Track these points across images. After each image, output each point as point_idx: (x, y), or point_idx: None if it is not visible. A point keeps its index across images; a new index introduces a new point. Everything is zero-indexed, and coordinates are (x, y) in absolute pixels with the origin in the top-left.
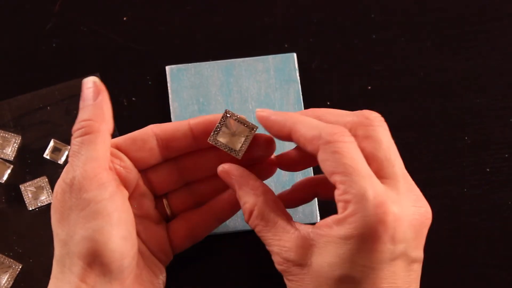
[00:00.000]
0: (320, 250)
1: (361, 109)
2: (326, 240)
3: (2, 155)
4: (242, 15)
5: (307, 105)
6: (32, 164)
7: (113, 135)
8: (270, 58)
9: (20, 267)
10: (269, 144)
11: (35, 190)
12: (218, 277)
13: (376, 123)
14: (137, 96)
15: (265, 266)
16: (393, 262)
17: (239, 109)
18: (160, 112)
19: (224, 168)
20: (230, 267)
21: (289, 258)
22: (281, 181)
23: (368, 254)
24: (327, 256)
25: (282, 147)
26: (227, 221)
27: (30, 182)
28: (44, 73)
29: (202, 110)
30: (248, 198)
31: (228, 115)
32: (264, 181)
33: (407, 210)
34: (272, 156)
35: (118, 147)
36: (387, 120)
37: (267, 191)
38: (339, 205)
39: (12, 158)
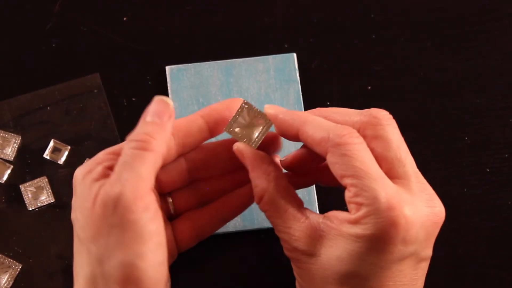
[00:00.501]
0: (329, 243)
1: (361, 109)
2: (336, 234)
3: (2, 155)
4: (242, 15)
5: (307, 105)
6: (32, 164)
7: (113, 135)
8: (270, 58)
9: (20, 267)
10: (273, 142)
11: (35, 190)
12: (219, 277)
13: (384, 122)
14: (137, 96)
15: (265, 266)
16: (402, 261)
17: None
18: None
19: (238, 147)
20: (231, 267)
21: (298, 247)
22: None
23: (378, 254)
24: (336, 250)
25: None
26: None
27: (30, 182)
28: (44, 73)
29: None
30: (260, 182)
31: (245, 106)
32: None
33: (420, 211)
34: (277, 159)
35: None
36: None
37: (280, 176)
38: (351, 207)
39: (12, 158)
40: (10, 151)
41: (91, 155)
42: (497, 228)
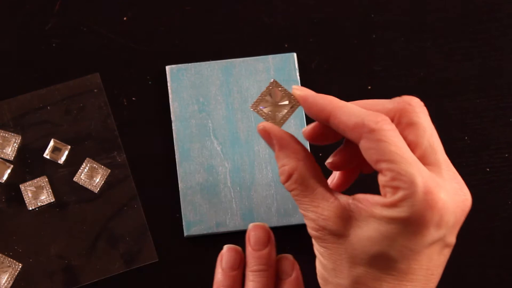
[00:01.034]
0: (360, 223)
1: None
2: (367, 215)
3: (2, 155)
4: (242, 15)
5: None
6: (32, 164)
7: (113, 135)
8: (270, 58)
9: (20, 267)
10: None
11: (35, 189)
12: None
13: (418, 109)
14: (137, 96)
15: None
16: (431, 246)
17: (239, 109)
18: (160, 112)
19: (265, 126)
20: None
21: (327, 226)
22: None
23: (411, 236)
24: (368, 231)
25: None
26: (227, 221)
27: (30, 182)
28: (44, 73)
29: (202, 110)
30: (288, 161)
31: (274, 85)
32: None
33: (452, 197)
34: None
35: None
36: None
37: (309, 156)
38: (386, 191)
39: (12, 158)
40: (10, 151)
41: (91, 155)
42: (497, 228)
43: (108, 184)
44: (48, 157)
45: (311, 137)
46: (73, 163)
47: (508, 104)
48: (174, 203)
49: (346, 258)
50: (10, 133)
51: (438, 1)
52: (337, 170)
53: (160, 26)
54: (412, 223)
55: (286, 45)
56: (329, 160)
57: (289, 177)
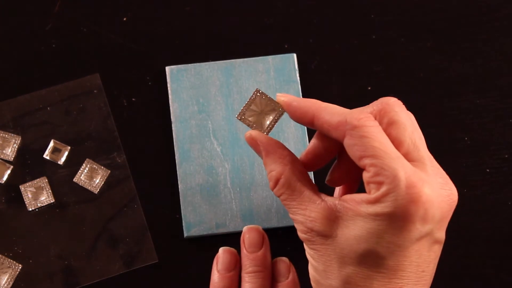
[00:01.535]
0: (347, 223)
1: None
2: (354, 214)
3: (2, 156)
4: (242, 15)
5: None
6: (32, 164)
7: (113, 135)
8: (270, 58)
9: (20, 267)
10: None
11: (35, 190)
12: None
13: (396, 108)
14: (137, 96)
15: None
16: (419, 241)
17: (239, 110)
18: (160, 112)
19: (251, 134)
20: None
21: (314, 228)
22: None
23: (397, 232)
24: (354, 229)
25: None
26: (227, 221)
27: (30, 183)
28: (44, 73)
29: (202, 111)
30: (275, 166)
31: (258, 94)
32: None
33: (436, 191)
34: None
35: None
36: None
37: (295, 160)
38: (370, 187)
39: (12, 159)
40: (10, 152)
41: (91, 155)
42: (497, 228)
43: (108, 185)
44: (48, 157)
45: (308, 161)
46: (73, 164)
47: (508, 104)
48: (174, 204)
49: (335, 259)
50: (10, 133)
51: (438, 1)
52: (338, 186)
53: (160, 27)
54: (397, 218)
55: (286, 46)
56: (328, 178)
57: (276, 182)
